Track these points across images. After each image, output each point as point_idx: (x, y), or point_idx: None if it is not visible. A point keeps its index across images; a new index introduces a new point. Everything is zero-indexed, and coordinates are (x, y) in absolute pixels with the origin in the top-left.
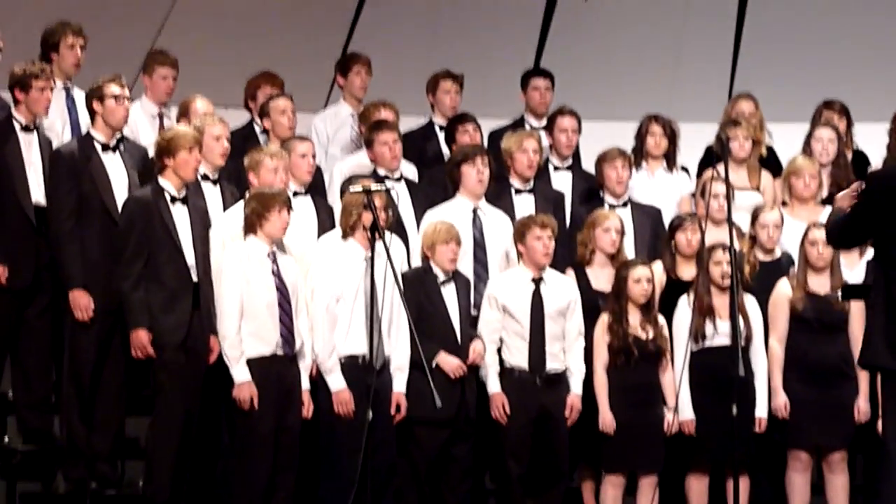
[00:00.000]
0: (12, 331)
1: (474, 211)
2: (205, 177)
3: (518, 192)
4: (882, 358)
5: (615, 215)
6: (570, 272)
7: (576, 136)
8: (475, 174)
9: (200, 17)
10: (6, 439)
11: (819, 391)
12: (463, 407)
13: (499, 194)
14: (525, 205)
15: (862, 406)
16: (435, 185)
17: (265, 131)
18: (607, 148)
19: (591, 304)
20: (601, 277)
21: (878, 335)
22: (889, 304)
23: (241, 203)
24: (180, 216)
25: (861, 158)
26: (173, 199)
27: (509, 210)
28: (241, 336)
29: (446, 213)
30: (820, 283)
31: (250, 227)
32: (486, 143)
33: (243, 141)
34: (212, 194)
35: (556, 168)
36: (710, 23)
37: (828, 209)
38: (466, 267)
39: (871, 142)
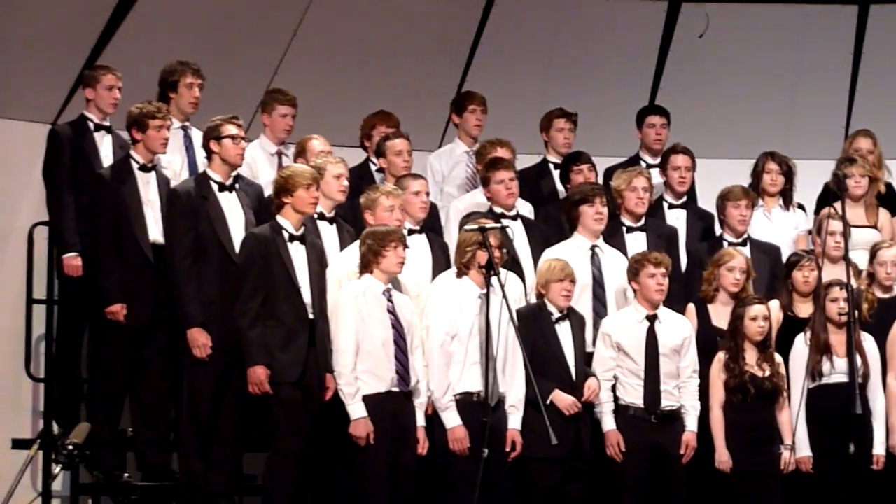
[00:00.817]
0: (132, 369)
1: (592, 249)
2: (321, 216)
3: (629, 229)
4: None
5: (742, 255)
6: (691, 307)
7: (689, 173)
8: (593, 214)
9: (316, 57)
10: (126, 475)
11: None
12: (578, 445)
13: (611, 232)
14: (637, 242)
15: None
16: (550, 223)
17: (380, 170)
18: (729, 186)
19: (711, 341)
20: (722, 315)
21: None
22: None
23: (357, 242)
24: (298, 254)
25: None
26: (291, 238)
27: (621, 247)
28: (357, 373)
29: (565, 252)
30: None
31: (366, 265)
32: (601, 181)
33: (359, 180)
34: (328, 233)
35: (670, 206)
36: (827, 58)
37: None
38: (585, 305)
39: None
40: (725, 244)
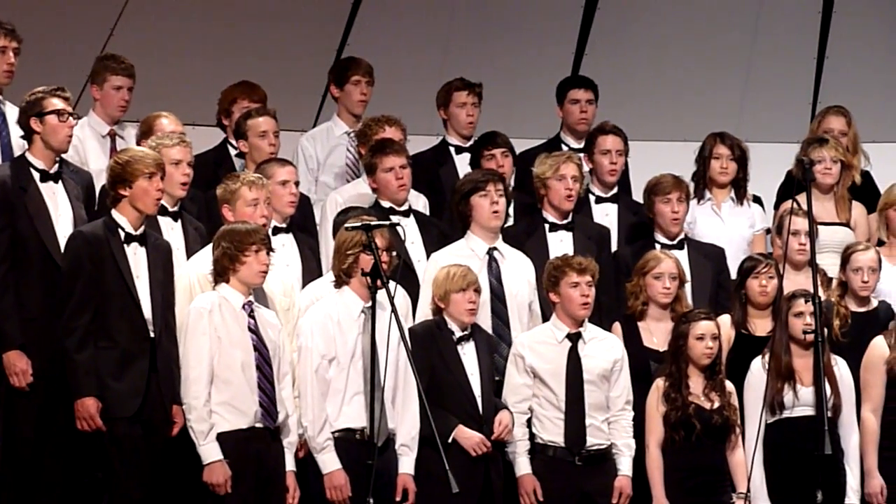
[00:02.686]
0: None
1: (489, 253)
2: (163, 210)
3: (554, 227)
4: None
5: (669, 258)
6: (617, 327)
7: (621, 158)
8: (488, 206)
9: (160, 16)
10: None
11: None
12: (487, 493)
13: (530, 231)
14: (562, 243)
15: None
16: (453, 221)
17: (241, 154)
18: (659, 175)
19: (643, 365)
20: (655, 333)
21: None
22: None
23: (211, 244)
24: (137, 258)
25: None
26: (129, 238)
27: (543, 250)
28: (211, 406)
29: (454, 256)
30: None
31: (221, 272)
32: (514, 169)
33: (214, 167)
34: (172, 232)
35: (598, 199)
36: (791, 21)
37: None
38: (482, 324)
39: None
40: (657, 247)
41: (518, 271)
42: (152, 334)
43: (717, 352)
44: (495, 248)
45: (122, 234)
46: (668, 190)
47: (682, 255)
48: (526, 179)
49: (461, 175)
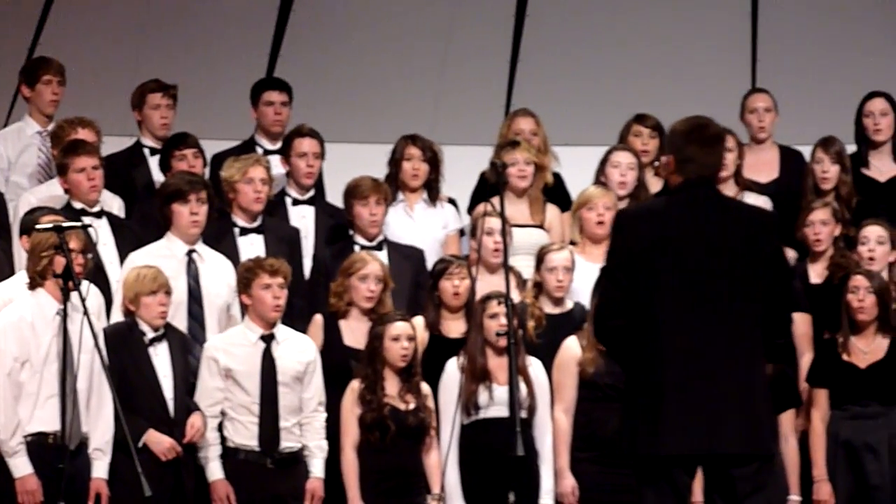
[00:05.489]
0: None
1: (189, 254)
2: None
3: (244, 231)
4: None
5: (377, 261)
6: (318, 320)
7: (318, 161)
8: (188, 214)
9: None
10: None
11: (614, 472)
12: (179, 496)
13: (219, 235)
14: (253, 246)
15: None
16: (147, 223)
17: None
18: (358, 177)
19: (343, 364)
20: (357, 333)
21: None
22: (648, 381)
23: None
24: None
25: None
26: None
27: (233, 253)
28: None
29: (154, 257)
30: None
31: None
32: (208, 171)
33: None
34: None
35: (295, 201)
36: (484, 25)
37: None
38: (180, 325)
39: None
40: (357, 248)
41: (217, 273)
42: None
43: (412, 354)
44: (194, 250)
45: None
46: (366, 193)
47: (382, 256)
48: (217, 181)
49: (155, 177)
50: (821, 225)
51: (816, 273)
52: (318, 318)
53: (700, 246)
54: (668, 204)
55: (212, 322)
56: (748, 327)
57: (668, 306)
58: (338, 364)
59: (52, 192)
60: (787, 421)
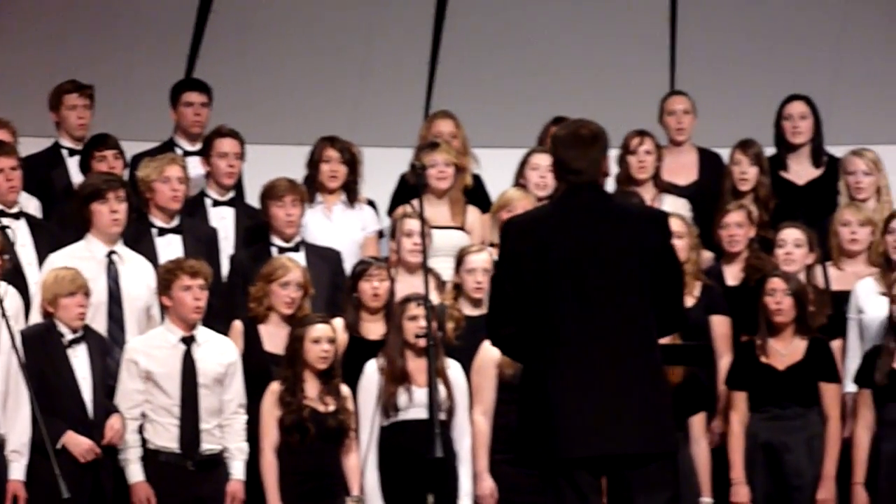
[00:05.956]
0: None
1: (109, 256)
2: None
3: (162, 231)
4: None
5: (298, 268)
6: (238, 327)
7: (238, 162)
8: (108, 213)
9: None
10: None
11: (532, 474)
12: (97, 498)
13: (138, 235)
14: (171, 247)
15: None
16: (65, 224)
17: None
18: (275, 178)
19: (263, 370)
20: (276, 338)
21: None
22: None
23: None
24: None
25: None
26: None
27: (151, 254)
28: None
29: (73, 259)
30: None
31: None
32: (128, 172)
33: None
34: None
35: (215, 202)
36: (403, 28)
37: None
38: (99, 327)
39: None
40: (274, 250)
41: (137, 275)
42: None
43: (333, 356)
44: (114, 252)
45: None
46: (281, 193)
47: (300, 258)
48: (133, 183)
49: (74, 178)
50: (736, 227)
51: (732, 275)
52: (238, 325)
53: (587, 249)
54: (552, 209)
55: (132, 324)
56: (640, 327)
57: (558, 311)
58: (258, 370)
59: None
60: (698, 424)
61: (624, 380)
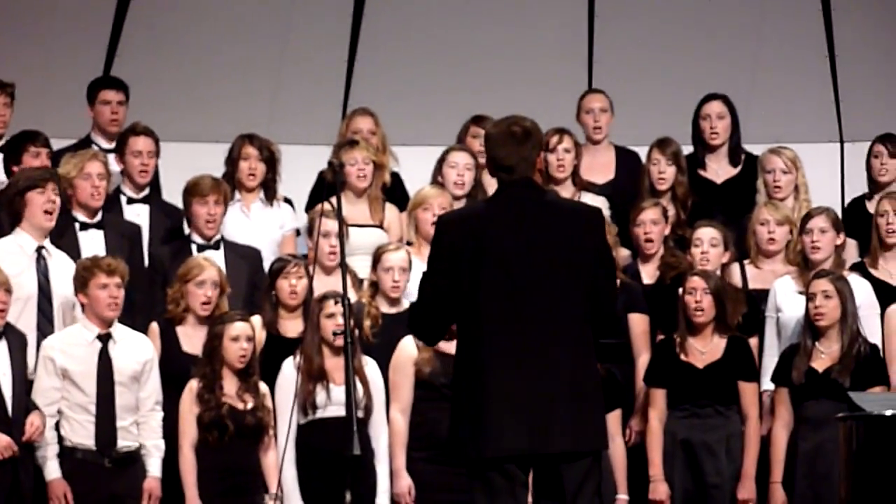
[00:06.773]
0: None
1: (39, 251)
2: None
3: (84, 226)
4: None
5: (213, 266)
6: (154, 328)
7: (153, 160)
8: (43, 204)
9: None
10: None
11: (450, 472)
12: (15, 495)
13: (61, 230)
14: (93, 242)
15: None
16: None
17: None
18: (198, 176)
19: (182, 371)
20: (195, 339)
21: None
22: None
23: None
24: None
25: None
26: None
27: (74, 249)
28: None
29: (2, 253)
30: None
31: None
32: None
33: None
34: None
35: (130, 200)
36: (321, 24)
37: None
38: (29, 321)
39: None
40: (193, 248)
41: (65, 271)
42: None
43: (251, 354)
44: (43, 247)
45: None
46: (206, 192)
47: (219, 256)
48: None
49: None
50: (651, 224)
51: (648, 273)
52: (154, 327)
53: (521, 246)
54: (486, 206)
55: (59, 319)
56: (574, 324)
57: (490, 308)
58: (177, 371)
59: None
60: (614, 421)
61: (556, 378)
